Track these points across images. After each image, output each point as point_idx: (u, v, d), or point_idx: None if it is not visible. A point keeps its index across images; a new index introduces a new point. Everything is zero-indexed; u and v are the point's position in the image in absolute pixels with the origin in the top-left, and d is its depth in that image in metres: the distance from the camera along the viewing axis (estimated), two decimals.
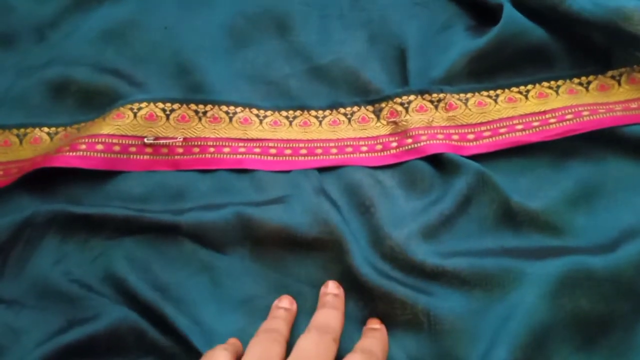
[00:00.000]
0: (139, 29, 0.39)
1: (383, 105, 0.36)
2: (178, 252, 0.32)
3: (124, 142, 0.34)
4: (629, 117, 0.34)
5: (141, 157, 0.34)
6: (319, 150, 0.35)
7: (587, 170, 0.34)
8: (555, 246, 0.31)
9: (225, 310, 0.31)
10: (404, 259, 0.30)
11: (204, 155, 0.35)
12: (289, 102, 0.37)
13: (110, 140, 0.34)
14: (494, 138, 0.34)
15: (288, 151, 0.35)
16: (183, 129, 0.35)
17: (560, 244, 0.31)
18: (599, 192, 0.33)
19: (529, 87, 0.36)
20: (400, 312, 0.29)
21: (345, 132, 0.36)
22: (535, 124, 0.35)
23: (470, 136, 0.35)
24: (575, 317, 0.29)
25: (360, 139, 0.36)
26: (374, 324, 0.29)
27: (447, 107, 0.36)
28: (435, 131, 0.35)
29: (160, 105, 0.36)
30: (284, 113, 0.37)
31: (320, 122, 0.37)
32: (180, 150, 0.35)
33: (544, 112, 0.35)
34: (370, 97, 0.37)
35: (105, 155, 0.33)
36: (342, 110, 0.37)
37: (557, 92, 0.36)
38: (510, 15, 0.36)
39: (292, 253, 0.32)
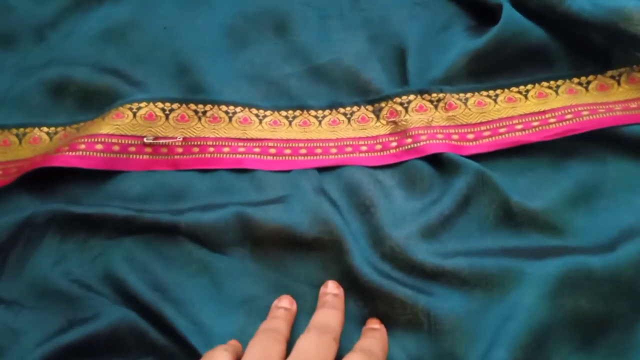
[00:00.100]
0: (139, 29, 0.39)
1: (383, 105, 0.36)
2: (177, 252, 0.32)
3: (123, 141, 0.34)
4: (629, 117, 0.34)
5: (140, 156, 0.34)
6: (319, 150, 0.35)
7: (586, 170, 0.34)
8: (554, 246, 0.31)
9: (225, 310, 0.31)
10: (404, 259, 0.30)
11: (203, 155, 0.35)
12: (288, 102, 0.37)
13: (109, 140, 0.34)
14: (493, 138, 0.34)
15: (288, 151, 0.35)
16: (182, 128, 0.35)
17: (560, 243, 0.31)
18: (599, 192, 0.33)
19: (529, 87, 0.36)
20: (401, 312, 0.29)
21: (345, 132, 0.36)
22: (535, 123, 0.35)
23: (470, 136, 0.35)
24: (574, 317, 0.29)
25: (359, 138, 0.36)
26: (374, 324, 0.29)
27: (446, 106, 0.36)
28: (435, 131, 0.35)
29: (160, 105, 0.36)
30: (284, 113, 0.37)
31: (320, 121, 0.37)
32: (180, 150, 0.35)
33: (544, 112, 0.35)
34: (370, 97, 0.37)
35: (105, 155, 0.33)
36: (341, 110, 0.37)
37: (556, 92, 0.36)
38: (510, 15, 0.36)
39: (291, 253, 0.32)
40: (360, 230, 0.32)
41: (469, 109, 0.36)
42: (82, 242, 0.32)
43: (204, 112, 0.36)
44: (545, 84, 0.36)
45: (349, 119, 0.37)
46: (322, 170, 0.34)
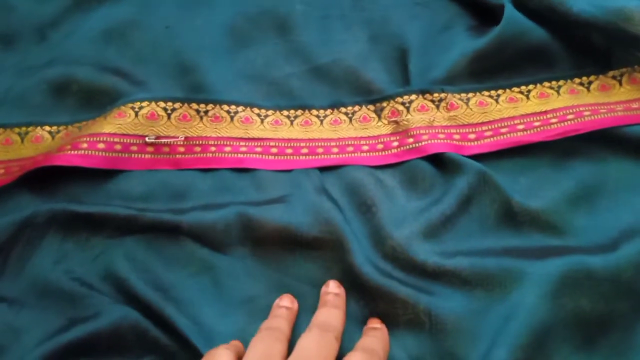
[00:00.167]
0: (140, 29, 0.39)
1: (384, 104, 0.37)
2: (179, 251, 0.32)
3: (125, 141, 0.34)
4: (630, 117, 0.34)
5: (142, 156, 0.34)
6: (320, 150, 0.35)
7: (587, 170, 0.34)
8: (555, 246, 0.31)
9: (226, 310, 0.31)
10: (405, 259, 0.31)
11: (205, 155, 0.35)
12: (290, 102, 0.37)
13: (111, 139, 0.34)
14: (495, 138, 0.35)
15: (289, 150, 0.35)
16: (184, 128, 0.35)
17: (561, 243, 0.31)
18: (600, 192, 0.33)
19: (530, 87, 0.36)
20: (402, 312, 0.29)
21: (347, 132, 0.36)
22: (537, 124, 0.35)
23: (472, 136, 0.35)
24: (575, 317, 0.29)
25: (361, 138, 0.36)
26: (375, 324, 0.29)
27: (448, 106, 0.36)
28: (437, 131, 0.35)
29: (162, 104, 0.36)
30: (285, 112, 0.37)
31: (322, 121, 0.37)
32: (182, 149, 0.35)
33: (545, 112, 0.35)
34: (372, 97, 0.37)
35: (107, 154, 0.33)
36: (343, 109, 0.37)
37: (558, 92, 0.36)
38: (511, 15, 0.36)
39: (293, 253, 0.32)
40: (362, 230, 0.32)
41: (471, 109, 0.36)
42: (83, 241, 0.32)
43: (206, 112, 0.36)
44: (546, 84, 0.36)
45: (350, 119, 0.37)
46: (323, 169, 0.34)
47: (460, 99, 0.36)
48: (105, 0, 0.41)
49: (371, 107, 0.37)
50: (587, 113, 0.34)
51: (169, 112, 0.36)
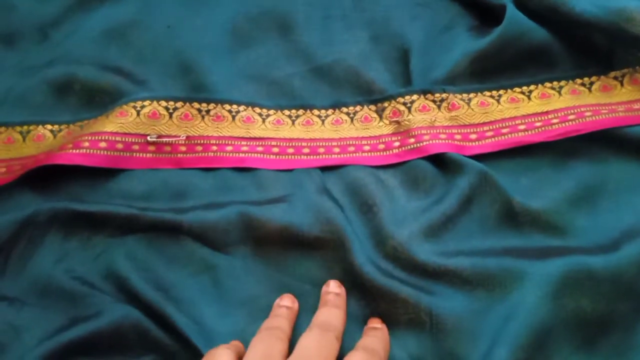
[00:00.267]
0: (141, 28, 0.40)
1: (386, 104, 0.37)
2: (180, 251, 0.32)
3: (127, 140, 0.34)
4: (632, 118, 0.34)
5: (144, 155, 0.34)
6: (322, 150, 0.35)
7: (589, 170, 0.34)
8: (556, 246, 0.31)
9: (226, 309, 0.31)
10: (406, 259, 0.31)
11: (206, 154, 0.35)
12: (291, 102, 0.37)
13: (113, 138, 0.34)
14: (496, 138, 0.35)
15: (290, 150, 0.35)
16: (186, 127, 0.35)
17: (562, 244, 0.31)
18: (601, 192, 0.33)
19: (532, 87, 0.36)
20: (403, 312, 0.29)
21: (348, 132, 0.36)
22: (538, 124, 0.35)
23: (473, 136, 0.35)
24: (576, 317, 0.29)
25: (362, 138, 0.36)
26: (375, 324, 0.29)
27: (449, 107, 0.36)
28: (438, 131, 0.35)
29: (164, 103, 0.36)
30: (287, 112, 0.37)
31: (323, 121, 0.37)
32: (183, 148, 0.35)
33: (547, 113, 0.35)
34: (373, 97, 0.37)
35: (108, 153, 0.33)
36: (344, 109, 0.37)
37: (559, 92, 0.36)
38: (513, 15, 0.36)
39: (294, 252, 0.32)
40: (363, 230, 0.32)
41: (472, 109, 0.36)
42: (84, 240, 0.32)
43: (208, 111, 0.36)
44: (548, 84, 0.36)
45: (352, 119, 0.37)
46: (324, 169, 0.34)
47: (461, 99, 0.36)
48: (106, 0, 0.41)
49: (372, 107, 0.37)
50: (588, 113, 0.34)
51: (171, 111, 0.36)
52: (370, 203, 0.33)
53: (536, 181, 0.34)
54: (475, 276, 0.30)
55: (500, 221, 0.32)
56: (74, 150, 0.33)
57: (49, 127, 0.36)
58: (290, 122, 0.37)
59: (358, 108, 0.37)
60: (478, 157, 0.34)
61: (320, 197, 0.33)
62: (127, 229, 0.32)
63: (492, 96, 0.36)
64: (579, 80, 0.36)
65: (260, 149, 0.35)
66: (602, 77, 0.36)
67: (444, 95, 0.36)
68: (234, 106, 0.37)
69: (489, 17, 0.38)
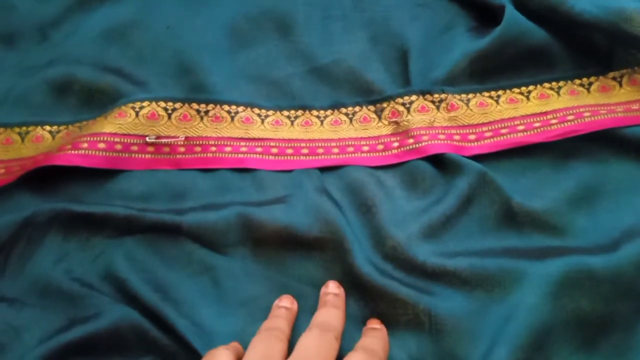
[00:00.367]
0: (141, 29, 0.40)
1: (385, 105, 0.37)
2: (179, 252, 0.32)
3: (125, 140, 0.34)
4: (630, 119, 0.34)
5: (143, 156, 0.34)
6: (321, 150, 0.35)
7: (588, 170, 0.34)
8: (556, 246, 0.31)
9: (225, 310, 0.30)
10: (405, 259, 0.31)
11: (205, 155, 0.35)
12: (290, 102, 0.37)
13: (112, 139, 0.34)
14: (495, 138, 0.35)
15: (289, 151, 0.35)
16: (185, 128, 0.35)
17: (561, 244, 0.31)
18: (600, 192, 0.33)
19: (531, 88, 0.36)
20: (402, 312, 0.29)
21: (347, 132, 0.36)
22: (537, 124, 0.35)
23: (472, 136, 0.35)
24: (575, 317, 0.29)
25: (361, 138, 0.36)
26: (374, 324, 0.29)
27: (448, 107, 0.36)
28: (437, 131, 0.35)
29: (162, 104, 0.36)
30: (286, 113, 0.37)
31: (322, 121, 0.37)
32: (182, 149, 0.35)
33: (546, 113, 0.35)
34: (372, 97, 0.37)
35: (107, 154, 0.33)
36: (343, 110, 0.37)
37: (558, 93, 0.36)
38: (512, 16, 0.36)
39: (293, 253, 0.32)
40: (362, 230, 0.32)
41: (471, 110, 0.36)
42: (83, 241, 0.32)
43: (206, 112, 0.36)
44: (547, 85, 0.36)
45: (350, 119, 0.37)
46: (323, 170, 0.34)
47: (460, 100, 0.36)
48: (106, 0, 0.41)
49: (371, 107, 0.37)
50: (587, 114, 0.34)
51: (170, 112, 0.36)
52: (370, 203, 0.33)
53: (536, 181, 0.34)
54: (475, 276, 0.30)
55: (499, 221, 0.32)
56: (73, 151, 0.33)
57: (48, 128, 0.36)
58: (289, 122, 0.37)
59: (357, 108, 0.37)
60: (477, 158, 0.34)
61: (319, 198, 0.32)
62: (126, 230, 0.32)
63: (491, 97, 0.36)
64: (577, 81, 0.37)
65: (259, 149, 0.35)
66: (601, 77, 0.36)
67: (443, 95, 0.36)
68: (233, 107, 0.37)
69: (488, 17, 0.38)
